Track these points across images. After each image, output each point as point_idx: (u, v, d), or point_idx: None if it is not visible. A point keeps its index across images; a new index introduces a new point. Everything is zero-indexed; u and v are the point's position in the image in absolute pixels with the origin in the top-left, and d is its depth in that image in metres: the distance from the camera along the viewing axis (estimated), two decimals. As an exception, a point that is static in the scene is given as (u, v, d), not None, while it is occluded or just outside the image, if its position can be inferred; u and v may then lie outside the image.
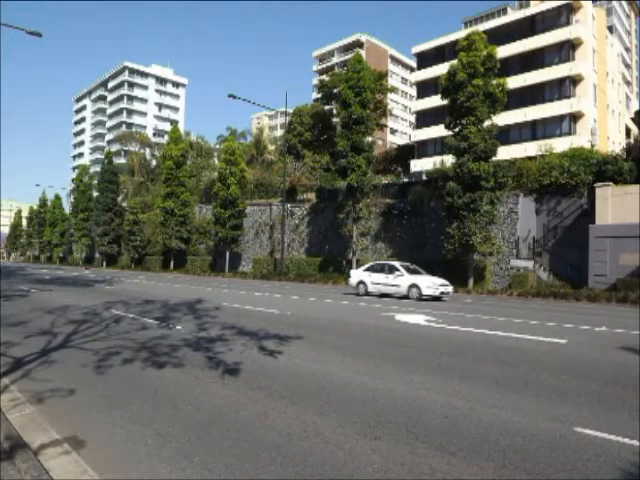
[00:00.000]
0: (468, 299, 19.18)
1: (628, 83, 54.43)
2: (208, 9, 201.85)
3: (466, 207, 22.41)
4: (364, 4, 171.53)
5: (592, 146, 29.81)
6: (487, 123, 23.14)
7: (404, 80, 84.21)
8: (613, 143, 40.67)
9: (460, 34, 36.84)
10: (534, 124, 38.51)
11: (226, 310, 12.60)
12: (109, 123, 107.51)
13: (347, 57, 63.61)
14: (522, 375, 5.95)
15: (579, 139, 34.50)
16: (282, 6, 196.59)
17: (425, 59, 46.46)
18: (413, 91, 59.88)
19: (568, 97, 37.05)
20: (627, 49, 64.37)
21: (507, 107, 27.25)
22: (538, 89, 38.49)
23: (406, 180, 42.35)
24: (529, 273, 23.27)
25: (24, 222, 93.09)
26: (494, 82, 23.02)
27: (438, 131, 36.89)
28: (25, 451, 3.40)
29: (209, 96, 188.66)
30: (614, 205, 21.53)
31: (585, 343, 8.55)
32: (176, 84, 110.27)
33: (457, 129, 23.56)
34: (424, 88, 45.85)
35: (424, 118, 45.29)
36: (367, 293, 19.56)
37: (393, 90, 60.82)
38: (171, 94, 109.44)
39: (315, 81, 77.86)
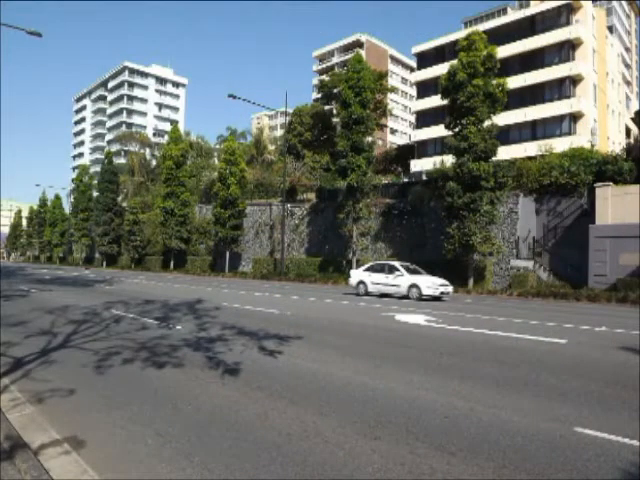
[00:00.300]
0: (468, 299, 19.18)
1: (628, 83, 54.43)
2: (208, 9, 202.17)
3: (466, 207, 22.41)
4: (364, 4, 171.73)
5: (592, 146, 29.80)
6: (487, 123, 23.14)
7: (404, 80, 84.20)
8: (613, 143, 40.67)
9: (460, 34, 36.84)
10: (534, 124, 38.51)
11: (226, 310, 12.61)
12: (109, 123, 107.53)
13: (347, 57, 63.62)
14: (522, 375, 5.95)
15: (579, 139, 34.49)
16: (282, 6, 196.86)
17: (425, 59, 46.47)
18: (413, 91, 59.88)
19: (568, 97, 37.06)
20: (627, 49, 64.37)
21: (507, 107, 27.24)
22: (538, 89, 38.49)
23: (406, 180, 42.37)
24: (529, 273, 23.27)
25: (24, 222, 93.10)
26: (494, 82, 23.02)
27: (438, 131, 36.89)
28: (25, 451, 3.40)
29: (209, 96, 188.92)
30: (614, 205, 21.53)
31: (585, 343, 8.55)
32: (176, 84, 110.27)
33: (457, 129, 23.57)
34: (424, 88, 45.85)
35: (424, 118, 45.29)
36: (367, 293, 19.56)
37: (393, 90, 60.80)
38: (171, 94, 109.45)
39: (315, 81, 77.88)
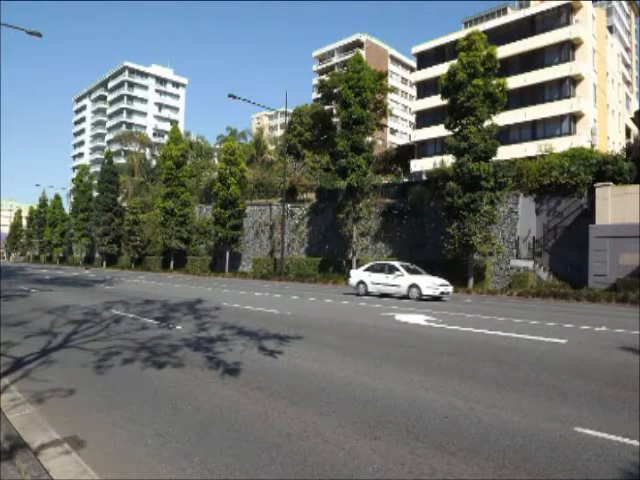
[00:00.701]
0: (468, 299, 19.18)
1: (628, 83, 54.43)
2: (208, 9, 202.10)
3: (466, 207, 22.41)
4: (364, 4, 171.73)
5: (592, 146, 29.81)
6: (487, 123, 23.15)
7: (404, 80, 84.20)
8: (613, 143, 40.66)
9: (460, 34, 36.84)
10: (534, 124, 38.51)
11: (226, 310, 12.61)
12: (109, 123, 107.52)
13: (347, 57, 63.59)
14: (522, 375, 5.95)
15: (579, 139, 34.50)
16: (282, 6, 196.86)
17: (425, 59, 46.46)
18: (413, 91, 59.87)
19: (568, 97, 37.05)
20: (627, 49, 64.35)
21: (507, 107, 27.24)
22: (538, 89, 38.49)
23: (406, 180, 42.35)
24: (529, 273, 23.27)
25: (24, 222, 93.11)
26: (494, 82, 23.02)
27: (438, 131, 36.89)
28: (25, 451, 3.40)
29: (209, 96, 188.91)
30: (614, 205, 21.52)
31: (585, 343, 8.55)
32: (176, 84, 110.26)
33: (457, 129, 23.56)
34: (424, 88, 45.86)
35: (424, 118, 45.29)
36: (367, 293, 19.55)
37: (393, 90, 60.80)
38: (171, 94, 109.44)
39: (315, 81, 77.85)
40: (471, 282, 23.21)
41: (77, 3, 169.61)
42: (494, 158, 23.14)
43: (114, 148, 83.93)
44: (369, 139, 29.90)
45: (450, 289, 18.46)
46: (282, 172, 37.69)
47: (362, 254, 30.25)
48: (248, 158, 53.10)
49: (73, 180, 68.46)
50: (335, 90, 49.34)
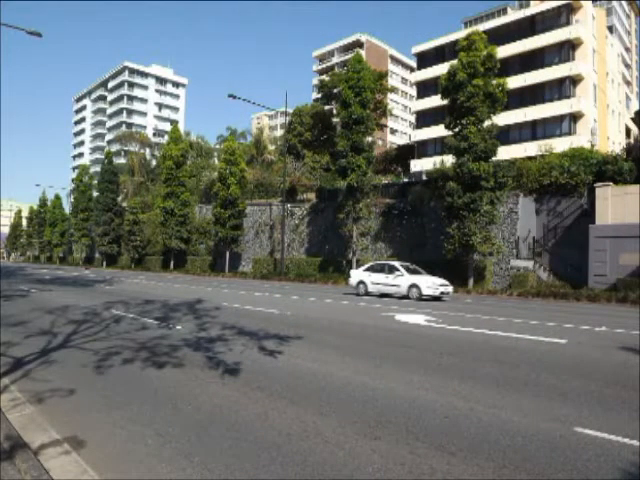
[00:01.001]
0: (468, 299, 19.18)
1: (628, 83, 54.42)
2: (208, 9, 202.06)
3: (466, 207, 22.41)
4: (364, 4, 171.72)
5: (592, 146, 29.81)
6: (487, 123, 23.15)
7: (404, 80, 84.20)
8: (613, 143, 40.66)
9: (460, 34, 36.84)
10: (534, 124, 38.51)
11: (226, 310, 12.60)
12: (109, 123, 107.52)
13: (347, 57, 63.58)
14: (522, 375, 5.95)
15: (579, 139, 34.50)
16: (282, 6, 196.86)
17: (425, 59, 46.46)
18: (413, 91, 59.87)
19: (568, 97, 37.05)
20: (627, 49, 64.34)
21: (507, 107, 27.24)
22: (538, 89, 38.50)
23: (406, 180, 42.34)
24: (529, 273, 23.27)
25: (24, 222, 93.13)
26: (494, 82, 23.02)
27: (438, 131, 36.89)
28: (25, 451, 3.40)
29: (209, 96, 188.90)
30: (614, 205, 21.52)
31: (585, 343, 8.55)
32: (176, 84, 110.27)
33: (457, 129, 23.56)
34: (424, 88, 45.86)
35: (424, 118, 45.29)
36: (367, 293, 19.55)
37: (393, 90, 60.81)
38: (171, 94, 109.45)
39: (315, 81, 77.84)
40: (471, 282, 23.21)
41: (77, 3, 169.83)
42: (494, 158, 23.14)
43: (114, 148, 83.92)
44: (369, 139, 29.91)
45: (450, 289, 18.46)
46: (282, 172, 37.70)
47: (362, 254, 30.25)
48: (248, 158, 53.10)
49: (73, 180, 68.47)
50: (335, 90, 49.33)
